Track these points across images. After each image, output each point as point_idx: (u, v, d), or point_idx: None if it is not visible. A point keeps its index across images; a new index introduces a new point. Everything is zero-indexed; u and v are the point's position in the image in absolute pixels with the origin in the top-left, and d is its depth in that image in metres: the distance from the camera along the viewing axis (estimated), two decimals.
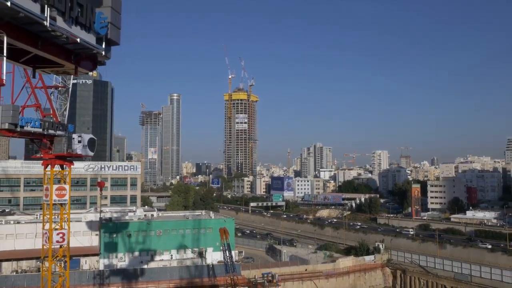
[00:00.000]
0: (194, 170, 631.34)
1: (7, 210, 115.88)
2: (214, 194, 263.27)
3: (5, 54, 12.41)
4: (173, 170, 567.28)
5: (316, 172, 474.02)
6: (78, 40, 15.74)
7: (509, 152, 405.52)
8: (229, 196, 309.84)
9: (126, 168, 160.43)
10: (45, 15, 13.93)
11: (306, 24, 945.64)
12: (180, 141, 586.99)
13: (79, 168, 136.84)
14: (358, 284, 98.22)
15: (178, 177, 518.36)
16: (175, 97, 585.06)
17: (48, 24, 14.05)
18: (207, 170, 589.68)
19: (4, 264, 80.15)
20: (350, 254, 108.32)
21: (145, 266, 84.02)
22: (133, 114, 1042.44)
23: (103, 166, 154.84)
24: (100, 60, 18.53)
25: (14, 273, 77.86)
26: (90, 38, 16.63)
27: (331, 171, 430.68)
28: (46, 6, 13.88)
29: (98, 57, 18.25)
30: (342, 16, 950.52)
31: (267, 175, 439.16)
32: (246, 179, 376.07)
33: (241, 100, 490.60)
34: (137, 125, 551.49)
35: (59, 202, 42.83)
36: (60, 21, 14.72)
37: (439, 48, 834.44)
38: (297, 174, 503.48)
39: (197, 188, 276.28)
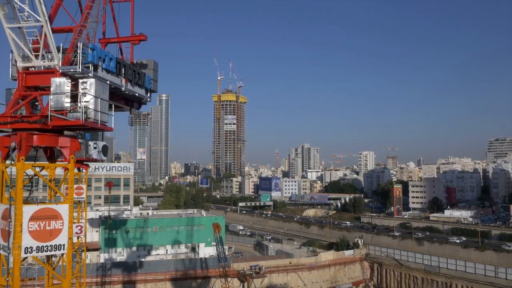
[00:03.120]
0: (183, 171, 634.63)
1: None
2: (205, 194, 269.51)
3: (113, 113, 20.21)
4: (162, 170, 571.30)
5: (304, 173, 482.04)
6: (137, 94, 24.65)
7: (490, 154, 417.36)
8: (218, 196, 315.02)
9: (119, 168, 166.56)
10: (122, 83, 22.35)
11: (306, 24, 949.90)
12: (168, 141, 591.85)
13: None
14: (338, 275, 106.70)
15: (166, 177, 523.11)
16: (164, 98, 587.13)
17: (124, 89, 22.49)
18: (196, 170, 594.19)
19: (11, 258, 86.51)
20: (331, 249, 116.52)
21: (143, 260, 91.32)
22: (122, 115, 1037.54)
23: (97, 167, 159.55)
24: (144, 102, 27.38)
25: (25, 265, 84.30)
26: (142, 91, 25.57)
27: (318, 171, 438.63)
28: (123, 78, 22.29)
29: (143, 101, 27.04)
30: (342, 17, 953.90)
31: (255, 175, 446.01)
32: (234, 179, 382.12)
33: (230, 101, 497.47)
34: (125, 126, 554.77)
35: (77, 200, 50.12)
36: (129, 85, 23.39)
37: (437, 48, 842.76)
38: (285, 174, 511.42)
39: (187, 188, 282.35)
